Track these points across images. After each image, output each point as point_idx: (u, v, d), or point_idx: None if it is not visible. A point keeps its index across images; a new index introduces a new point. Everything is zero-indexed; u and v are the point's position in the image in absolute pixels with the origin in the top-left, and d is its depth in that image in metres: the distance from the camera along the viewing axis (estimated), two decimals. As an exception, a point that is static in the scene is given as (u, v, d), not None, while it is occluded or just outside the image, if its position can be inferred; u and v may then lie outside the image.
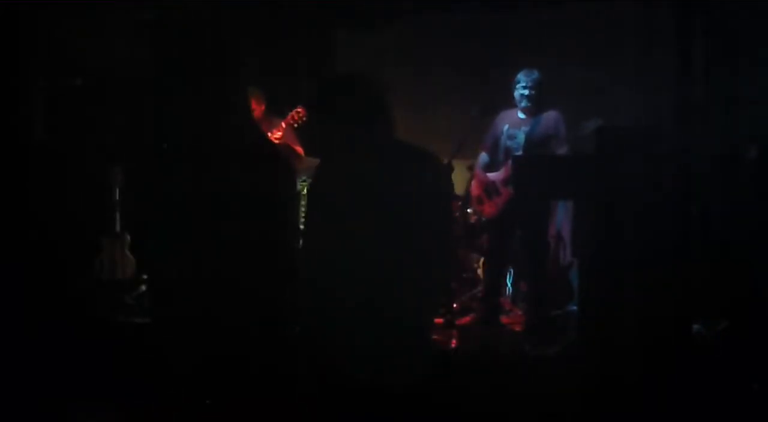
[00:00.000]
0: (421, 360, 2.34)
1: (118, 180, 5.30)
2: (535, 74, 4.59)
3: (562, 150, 4.55)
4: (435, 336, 4.12)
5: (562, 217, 5.32)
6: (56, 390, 3.45)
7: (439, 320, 4.58)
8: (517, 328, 4.79)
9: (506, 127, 4.68)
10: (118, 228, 5.26)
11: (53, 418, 3.36)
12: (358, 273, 2.25)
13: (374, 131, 2.36)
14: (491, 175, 4.73)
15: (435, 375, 2.37)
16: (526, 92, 4.58)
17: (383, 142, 2.37)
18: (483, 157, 4.84)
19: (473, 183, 4.92)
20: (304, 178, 4.92)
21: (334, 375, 2.24)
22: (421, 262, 2.28)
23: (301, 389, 2.05)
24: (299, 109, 4.85)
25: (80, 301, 4.74)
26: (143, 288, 5.41)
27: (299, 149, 4.98)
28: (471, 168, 5.10)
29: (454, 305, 4.91)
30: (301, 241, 2.32)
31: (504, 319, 4.95)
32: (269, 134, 4.77)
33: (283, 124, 4.84)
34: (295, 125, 4.88)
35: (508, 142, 4.65)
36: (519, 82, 4.62)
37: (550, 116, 4.60)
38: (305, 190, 4.96)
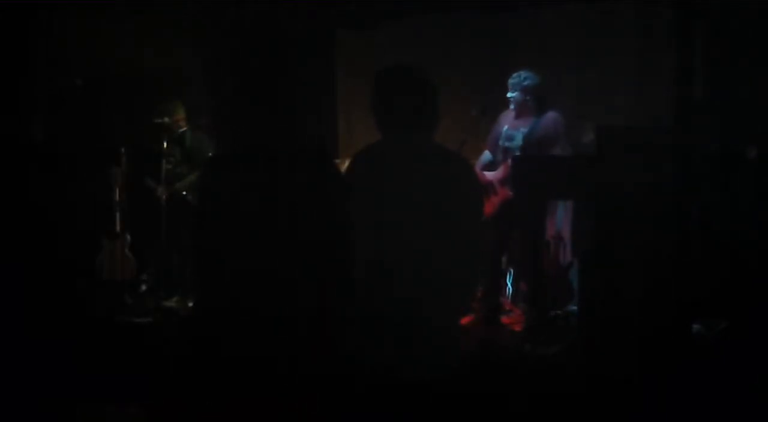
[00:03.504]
0: (449, 357, 2.36)
1: (118, 180, 5.29)
2: (522, 77, 4.61)
3: (558, 151, 4.56)
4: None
5: (562, 217, 5.32)
6: (56, 390, 3.45)
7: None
8: (517, 328, 4.79)
9: (505, 127, 4.70)
10: (118, 228, 5.26)
11: (53, 418, 3.36)
12: (392, 270, 2.27)
13: (415, 131, 2.37)
14: (489, 175, 4.74)
15: (461, 372, 2.39)
16: (511, 95, 4.66)
17: (422, 142, 2.38)
18: (486, 155, 4.87)
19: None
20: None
21: (364, 368, 2.26)
22: (453, 261, 2.29)
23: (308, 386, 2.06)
24: None
25: (80, 301, 4.74)
26: (144, 288, 5.42)
27: None
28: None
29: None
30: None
31: (504, 319, 4.95)
32: None
33: None
34: None
35: (506, 143, 4.67)
36: (509, 86, 4.68)
37: (549, 118, 4.61)
38: None
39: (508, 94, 4.67)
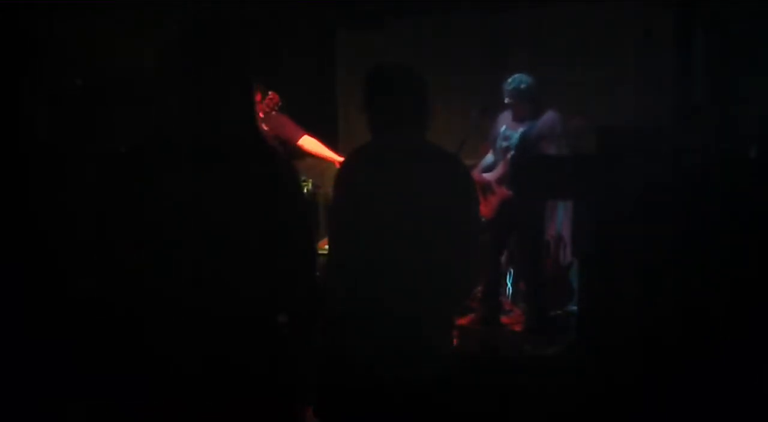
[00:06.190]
0: (442, 358, 2.36)
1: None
2: (517, 81, 4.63)
3: (551, 150, 4.57)
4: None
5: (562, 217, 5.33)
6: (56, 390, 3.45)
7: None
8: (517, 328, 4.80)
9: (503, 128, 4.74)
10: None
11: (53, 418, 3.36)
12: (382, 270, 2.26)
13: (407, 131, 2.36)
14: (487, 175, 4.77)
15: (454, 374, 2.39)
16: (507, 100, 4.69)
17: (414, 142, 2.37)
18: (489, 157, 4.90)
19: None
20: (303, 177, 4.89)
21: (355, 370, 2.26)
22: (446, 262, 2.29)
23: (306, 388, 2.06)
24: (272, 95, 4.71)
25: (80, 301, 4.73)
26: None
27: (291, 131, 4.81)
28: (471, 168, 5.12)
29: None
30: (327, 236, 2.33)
31: (504, 319, 4.96)
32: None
33: (261, 114, 4.66)
34: (272, 112, 4.74)
35: (503, 143, 4.71)
36: (504, 91, 4.70)
37: (548, 117, 4.63)
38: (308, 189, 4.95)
39: (505, 100, 4.69)
